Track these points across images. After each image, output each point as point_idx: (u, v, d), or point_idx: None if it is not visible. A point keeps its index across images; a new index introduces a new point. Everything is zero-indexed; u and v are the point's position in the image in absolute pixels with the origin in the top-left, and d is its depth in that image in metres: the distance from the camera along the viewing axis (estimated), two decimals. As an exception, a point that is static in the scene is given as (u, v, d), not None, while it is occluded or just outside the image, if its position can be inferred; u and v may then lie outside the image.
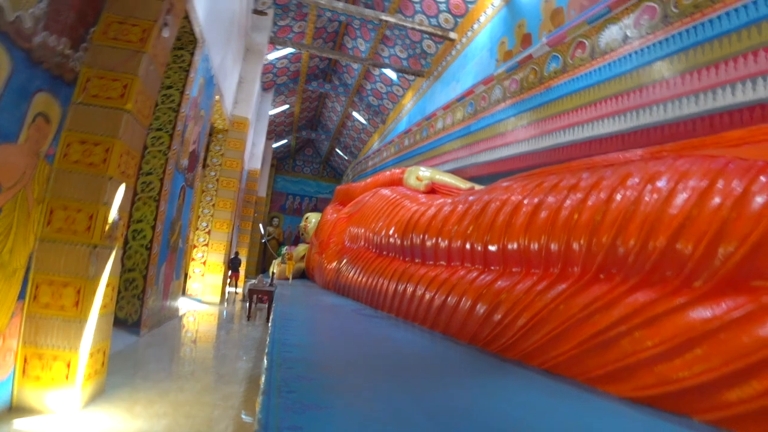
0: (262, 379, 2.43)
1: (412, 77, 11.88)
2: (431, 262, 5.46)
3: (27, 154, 2.44)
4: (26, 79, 2.36)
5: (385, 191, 8.70)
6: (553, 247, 3.56)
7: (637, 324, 2.78)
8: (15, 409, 2.39)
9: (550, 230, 3.59)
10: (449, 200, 5.66)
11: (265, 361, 2.75)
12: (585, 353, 3.09)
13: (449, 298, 4.68)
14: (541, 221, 3.73)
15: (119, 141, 2.72)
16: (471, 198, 5.19)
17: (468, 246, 4.71)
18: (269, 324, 4.61)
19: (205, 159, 8.52)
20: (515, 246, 4.01)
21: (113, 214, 2.72)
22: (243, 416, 2.65)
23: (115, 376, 3.06)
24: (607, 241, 3.10)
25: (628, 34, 4.57)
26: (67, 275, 2.50)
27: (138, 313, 4.33)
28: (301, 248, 13.54)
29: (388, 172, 10.01)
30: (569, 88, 5.65)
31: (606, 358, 2.95)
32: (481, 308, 4.16)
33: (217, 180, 8.33)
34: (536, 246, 3.76)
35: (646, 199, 2.94)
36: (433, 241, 5.39)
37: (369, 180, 11.41)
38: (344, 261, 8.75)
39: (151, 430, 2.32)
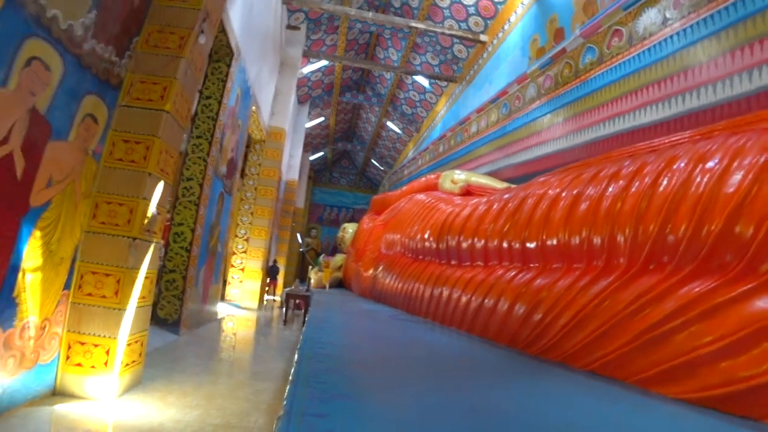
0: (292, 371, 2.40)
1: (444, 83, 11.84)
2: (467, 264, 5.30)
3: (76, 151, 2.59)
4: (76, 82, 2.52)
5: (420, 196, 8.62)
6: (596, 239, 3.36)
7: (693, 317, 2.53)
8: (58, 393, 2.50)
9: (591, 222, 3.39)
10: (484, 199, 5.51)
11: (296, 355, 2.73)
12: (635, 351, 2.85)
13: (486, 300, 4.50)
14: (581, 213, 3.53)
15: (158, 139, 2.85)
16: (506, 196, 5.03)
17: (505, 244, 4.54)
18: (304, 326, 4.62)
19: (243, 169, 8.81)
20: (554, 241, 3.82)
21: (152, 209, 2.83)
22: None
23: (153, 369, 3.14)
24: (655, 229, 2.88)
25: (668, 15, 4.32)
26: (109, 265, 2.63)
27: (178, 313, 4.46)
28: (339, 258, 13.63)
29: (423, 179, 9.94)
30: (607, 78, 5.42)
31: (659, 356, 2.69)
32: (520, 308, 3.97)
33: (255, 189, 8.57)
34: (577, 239, 3.56)
35: (697, 180, 2.71)
36: (469, 241, 5.24)
37: (404, 188, 11.37)
38: (380, 268, 8.70)
39: (183, 419, 2.34)
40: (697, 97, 3.96)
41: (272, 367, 3.80)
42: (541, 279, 3.92)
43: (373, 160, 20.33)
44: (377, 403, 1.99)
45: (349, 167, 22.46)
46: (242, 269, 8.15)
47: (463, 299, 4.97)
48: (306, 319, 5.70)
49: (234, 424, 2.37)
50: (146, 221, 2.77)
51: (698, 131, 3.34)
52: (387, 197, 13.09)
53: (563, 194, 3.86)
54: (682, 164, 2.90)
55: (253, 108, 7.38)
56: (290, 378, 2.23)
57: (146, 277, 2.85)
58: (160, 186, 2.95)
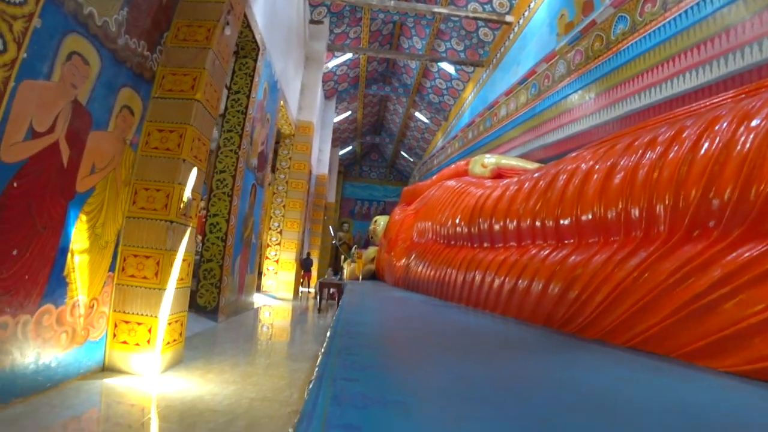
0: (324, 344, 2.45)
1: (470, 69, 11.62)
2: (500, 245, 5.21)
3: (115, 141, 2.74)
4: (112, 76, 2.65)
5: (450, 183, 8.54)
6: (633, 210, 3.22)
7: (743, 283, 2.38)
8: (107, 369, 2.66)
9: (628, 193, 3.25)
10: (514, 179, 5.39)
11: (329, 332, 2.77)
12: (679, 324, 2.71)
13: (520, 281, 4.41)
14: (616, 184, 3.39)
15: (191, 127, 2.97)
16: (537, 174, 4.90)
17: (538, 223, 4.43)
18: (337, 310, 4.68)
19: (274, 163, 8.99)
20: (589, 216, 3.69)
21: (187, 194, 2.96)
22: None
23: (193, 351, 3.28)
24: (698, 194, 2.72)
25: (709, -28, 4.05)
26: (149, 248, 2.77)
27: (216, 301, 4.63)
28: (371, 250, 13.71)
29: (452, 166, 9.82)
30: (640, 48, 5.16)
31: (706, 327, 2.55)
32: (554, 287, 3.87)
33: (287, 182, 8.74)
34: (613, 212, 3.42)
35: (742, 139, 2.53)
36: (501, 223, 5.15)
37: (434, 177, 11.27)
38: (413, 256, 8.69)
39: (221, 393, 2.43)
40: (741, 58, 3.70)
41: (307, 348, 3.89)
42: (576, 255, 3.80)
43: (402, 152, 20.27)
44: (407, 372, 1.99)
45: (378, 160, 22.48)
46: (277, 261, 8.35)
47: (497, 282, 4.89)
48: (339, 304, 5.81)
49: (270, 397, 2.44)
50: (182, 205, 2.90)
51: (742, 89, 3.13)
52: (417, 187, 13.03)
53: (597, 167, 3.72)
54: (725, 124, 2.72)
55: (281, 102, 7.51)
56: (322, 351, 2.27)
57: (184, 260, 2.98)
58: (194, 172, 3.07)
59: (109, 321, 2.69)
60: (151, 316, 2.67)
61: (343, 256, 11.75)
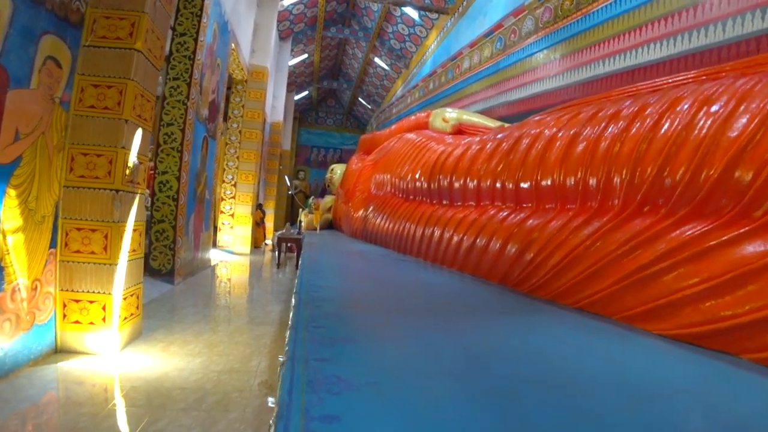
0: (290, 315, 2.43)
1: (435, 16, 11.13)
2: (459, 204, 5.31)
3: (41, 100, 2.39)
4: (30, 20, 2.25)
5: (410, 135, 8.44)
6: (592, 180, 3.34)
7: (683, 258, 2.59)
8: (59, 351, 2.51)
9: (588, 163, 3.35)
10: (477, 139, 5.39)
11: (293, 300, 2.76)
12: (623, 290, 2.95)
13: (478, 240, 4.56)
14: (578, 154, 3.47)
15: (132, 82, 2.63)
16: (500, 135, 4.92)
17: (498, 185, 4.52)
18: (298, 269, 4.66)
19: (226, 112, 8.42)
20: (549, 182, 3.80)
21: (133, 158, 2.68)
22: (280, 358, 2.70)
23: (152, 320, 3.17)
24: (653, 172, 2.85)
25: (682, -63, 4.00)
26: (94, 221, 2.53)
27: (171, 263, 4.45)
28: (328, 200, 13.58)
29: (413, 117, 9.66)
30: (610, 12, 5.12)
31: (647, 295, 2.80)
32: (512, 248, 4.03)
33: (240, 132, 8.26)
34: (572, 180, 3.53)
35: (701, 124, 2.64)
36: (461, 182, 5.20)
37: (393, 127, 11.07)
38: (371, 208, 8.71)
39: (187, 367, 2.39)
40: (704, 35, 3.78)
41: (269, 310, 3.88)
42: (533, 219, 3.95)
43: (360, 99, 19.62)
44: (378, 345, 2.04)
45: (335, 107, 21.70)
46: (232, 215, 8.07)
47: (455, 238, 5.04)
48: (299, 262, 5.76)
49: (237, 368, 2.43)
50: (128, 172, 2.63)
51: (704, 71, 3.22)
52: (376, 137, 12.80)
53: (560, 134, 3.78)
54: (686, 106, 2.81)
55: (232, 45, 6.89)
56: (290, 323, 2.26)
57: (134, 230, 2.77)
58: (138, 133, 2.77)
59: (57, 301, 2.49)
60: (104, 293, 2.50)
61: (301, 209, 11.55)
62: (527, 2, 6.72)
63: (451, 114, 7.63)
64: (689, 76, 3.38)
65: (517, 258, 3.90)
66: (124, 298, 2.63)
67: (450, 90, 10.04)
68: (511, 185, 4.33)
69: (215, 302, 4.00)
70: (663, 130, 2.84)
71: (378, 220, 8.00)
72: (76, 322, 2.50)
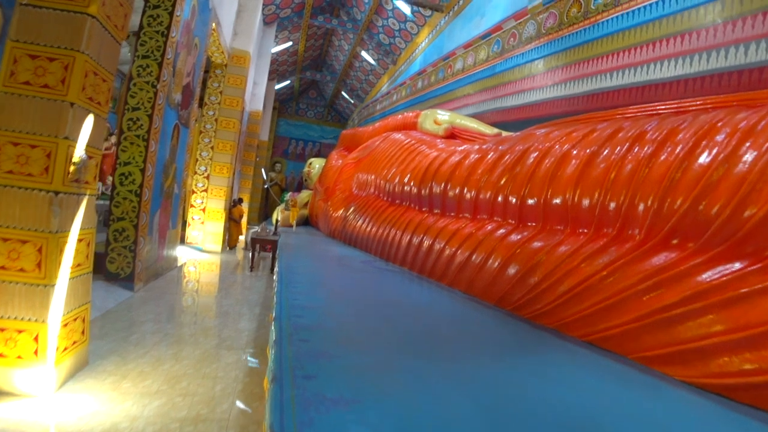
0: (271, 356, 2.02)
1: (428, 12, 10.77)
2: (453, 214, 4.98)
3: (-36, 70, 1.86)
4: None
5: (398, 135, 8.07)
6: (611, 204, 3.05)
7: (716, 303, 2.35)
8: (-23, 390, 1.99)
9: (608, 185, 3.06)
10: (476, 146, 5.06)
11: (273, 329, 2.33)
12: (643, 329, 2.70)
13: (474, 256, 4.24)
14: (596, 174, 3.18)
15: (82, 55, 2.10)
16: (502, 147, 4.60)
17: (500, 198, 4.20)
18: (274, 279, 4.21)
19: (202, 97, 7.79)
20: (559, 201, 3.50)
21: (80, 152, 2.16)
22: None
23: (104, 340, 2.66)
24: (686, 203, 2.59)
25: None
26: (25, 230, 2.00)
27: (131, 266, 3.90)
28: (305, 194, 13.06)
29: (399, 116, 9.30)
30: (622, 24, 4.90)
31: (670, 337, 2.56)
32: (513, 269, 3.74)
33: (216, 120, 7.64)
34: (587, 202, 3.24)
35: (746, 157, 2.39)
36: (457, 191, 4.87)
37: (378, 124, 10.69)
38: (351, 209, 8.31)
39: (142, 414, 1.93)
40: (724, 58, 3.58)
41: (242, 328, 3.42)
42: (539, 241, 3.65)
43: (343, 92, 19.06)
44: (382, 405, 1.67)
45: (317, 99, 21.06)
46: (203, 209, 7.46)
47: (447, 251, 4.71)
48: (275, 267, 5.30)
49: (204, 415, 2.00)
50: (72, 169, 2.11)
51: (737, 96, 2.99)
52: (358, 133, 12.36)
53: (575, 152, 3.48)
54: (724, 136, 2.56)
55: (213, 25, 6.30)
56: (271, 372, 1.84)
57: (81, 240, 2.25)
58: (89, 120, 2.24)
59: (-27, 329, 1.97)
60: (37, 320, 1.98)
61: (279, 206, 10.98)
62: (530, 6, 6.45)
63: (444, 116, 7.29)
64: (718, 99, 3.15)
65: (520, 281, 3.60)
66: (65, 325, 2.11)
67: (440, 90, 9.71)
68: (514, 200, 4.02)
69: (180, 316, 3.50)
70: (701, 159, 2.57)
71: (359, 222, 7.60)
72: (1, 356, 1.98)
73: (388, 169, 7.09)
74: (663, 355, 2.55)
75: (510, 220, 4.14)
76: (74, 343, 2.22)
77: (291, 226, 10.75)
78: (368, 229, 7.10)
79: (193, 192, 7.50)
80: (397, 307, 3.41)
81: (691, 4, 3.98)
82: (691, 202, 2.55)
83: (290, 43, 14.67)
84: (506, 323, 3.31)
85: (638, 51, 4.58)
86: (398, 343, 2.37)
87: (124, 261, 3.93)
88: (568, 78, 5.61)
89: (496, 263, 3.97)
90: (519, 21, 6.83)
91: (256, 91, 12.82)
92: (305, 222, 11.92)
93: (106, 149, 8.01)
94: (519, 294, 3.65)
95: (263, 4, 10.16)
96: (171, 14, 4.22)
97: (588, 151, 3.39)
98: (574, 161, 3.41)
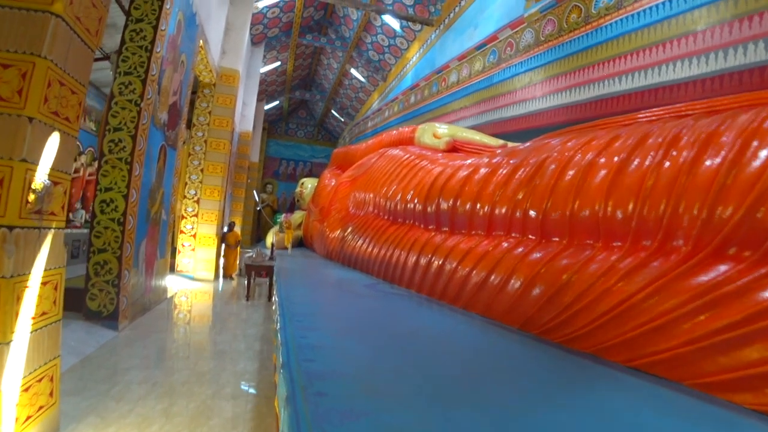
0: (284, 419, 1.65)
1: (418, 27, 10.67)
2: (463, 232, 4.66)
3: None
4: None
5: (395, 151, 7.81)
6: (650, 214, 2.76)
7: (790, 319, 2.05)
8: None
9: (646, 193, 2.78)
10: (485, 159, 4.78)
11: (283, 384, 1.95)
12: (699, 353, 2.39)
13: (492, 276, 3.91)
14: (631, 182, 2.91)
15: (44, 61, 1.75)
16: (514, 160, 4.32)
17: (518, 213, 3.91)
18: (273, 309, 3.83)
19: (190, 118, 7.48)
20: (588, 212, 3.21)
21: (41, 177, 1.80)
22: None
23: (80, 396, 2.26)
24: (740, 210, 2.31)
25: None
26: (-30, 274, 1.61)
27: (114, 303, 3.50)
28: (298, 215, 12.72)
29: (394, 131, 9.07)
30: (626, 26, 4.74)
31: (735, 361, 2.27)
32: (538, 290, 3.43)
33: (205, 141, 7.32)
34: (621, 213, 2.96)
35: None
36: (467, 207, 4.57)
37: (371, 141, 10.47)
38: (349, 229, 7.97)
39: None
40: (743, 55, 3.38)
41: (241, 370, 3.02)
42: (566, 257, 3.34)
43: (333, 111, 18.92)
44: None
45: (306, 118, 20.90)
46: (194, 235, 7.06)
47: (460, 272, 4.38)
48: (273, 296, 4.92)
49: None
50: (32, 197, 1.75)
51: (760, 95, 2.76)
52: (351, 151, 12.11)
53: (601, 160, 3.21)
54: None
55: (200, 42, 6.04)
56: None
57: (45, 283, 1.86)
58: (54, 139, 1.88)
59: None
60: (-12, 387, 1.60)
61: (272, 228, 10.60)
62: (527, 14, 6.30)
63: (443, 129, 7.05)
64: (753, 96, 2.91)
65: (547, 302, 3.28)
66: (26, 389, 1.71)
67: (435, 104, 9.52)
68: (534, 214, 3.73)
69: (170, 359, 3.08)
70: (755, 162, 2.30)
71: (358, 243, 7.25)
72: (-56, 432, 1.58)
73: (388, 186, 6.80)
74: (726, 381, 2.26)
75: (530, 236, 3.84)
76: (40, 409, 1.83)
77: (286, 248, 10.38)
78: (369, 249, 6.76)
79: (183, 217, 7.11)
80: (415, 339, 3.05)
81: (700, 2, 3.82)
82: (747, 208, 2.27)
83: (278, 63, 14.51)
84: (538, 350, 2.98)
85: (647, 53, 4.39)
86: (431, 389, 2.00)
87: (107, 297, 3.52)
88: (572, 85, 5.41)
89: (519, 284, 3.65)
90: (515, 30, 6.67)
91: (246, 112, 12.56)
92: (299, 243, 11.54)
93: (90, 175, 7.61)
94: (547, 317, 3.33)
95: (251, 24, 9.99)
96: (155, 28, 3.93)
97: (617, 158, 3.11)
98: (602, 170, 3.14)
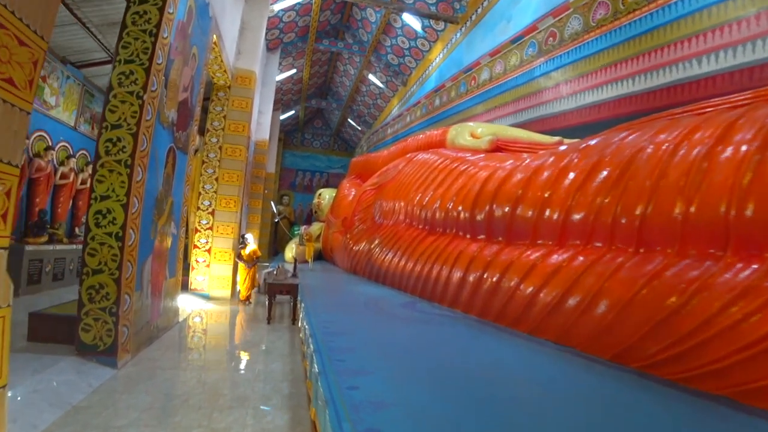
0: None
1: (441, 26, 10.08)
2: (526, 242, 3.94)
3: None
4: None
5: (425, 156, 7.15)
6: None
7: None
8: None
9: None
10: (549, 159, 4.06)
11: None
12: None
13: (571, 298, 3.18)
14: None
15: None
16: (587, 160, 3.60)
17: (609, 219, 3.18)
18: (306, 345, 3.16)
19: (203, 125, 6.94)
20: (711, 215, 2.47)
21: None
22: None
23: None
24: None
25: None
26: None
27: (112, 335, 2.86)
28: (316, 227, 12.15)
29: (421, 135, 8.43)
30: (695, 5, 4.05)
31: None
32: (639, 313, 2.70)
33: (220, 147, 6.76)
34: (764, 214, 2.21)
35: None
36: (530, 213, 3.86)
37: (394, 147, 9.84)
38: (376, 241, 7.30)
39: None
40: None
41: (269, 428, 2.34)
42: (678, 273, 2.60)
43: (349, 120, 18.40)
44: None
45: (322, 128, 20.45)
46: (208, 250, 6.47)
47: (523, 290, 3.68)
48: (299, 320, 4.26)
49: None
50: None
51: None
52: (371, 159, 11.50)
53: (726, 152, 2.48)
54: None
55: (214, 38, 5.50)
56: None
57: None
58: None
59: None
60: None
61: (291, 240, 10.02)
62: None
63: (483, 128, 6.36)
64: None
65: (654, 329, 2.61)
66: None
67: (463, 105, 8.85)
68: (626, 220, 3.00)
69: (179, 410, 2.40)
70: None
71: (388, 256, 6.56)
72: None
73: (423, 193, 6.12)
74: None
75: (618, 245, 3.11)
76: None
77: (307, 262, 9.77)
78: (402, 263, 6.07)
79: (197, 230, 6.52)
80: (492, 381, 2.34)
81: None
82: None
83: (294, 71, 14.06)
84: (650, 392, 2.29)
85: (723, 31, 3.69)
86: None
87: (104, 328, 2.89)
88: (635, 72, 4.69)
89: (608, 305, 2.92)
90: (558, 17, 5.99)
91: (262, 120, 12.07)
92: (318, 256, 10.94)
93: (82, 183, 7.10)
94: (654, 347, 2.62)
95: (267, 28, 9.52)
96: (161, 10, 3.37)
97: (745, 148, 2.38)
98: (727, 164, 2.40)
